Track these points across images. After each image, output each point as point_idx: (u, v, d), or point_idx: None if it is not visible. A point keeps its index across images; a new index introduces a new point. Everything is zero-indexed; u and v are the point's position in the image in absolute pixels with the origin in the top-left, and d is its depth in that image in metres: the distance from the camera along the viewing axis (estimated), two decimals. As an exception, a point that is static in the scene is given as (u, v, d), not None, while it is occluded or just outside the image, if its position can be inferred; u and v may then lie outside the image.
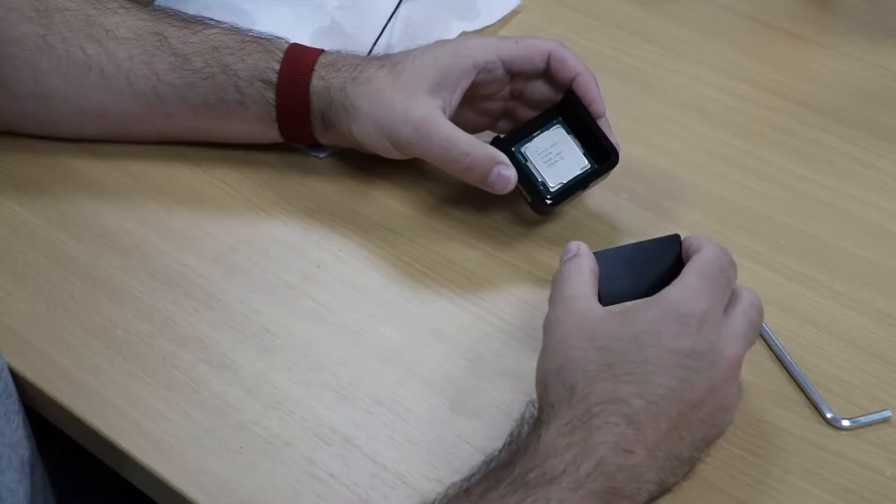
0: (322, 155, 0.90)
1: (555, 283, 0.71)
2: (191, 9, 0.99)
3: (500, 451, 0.66)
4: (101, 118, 0.87)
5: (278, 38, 0.88)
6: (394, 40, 0.99)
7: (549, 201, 0.82)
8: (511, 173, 0.81)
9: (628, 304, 0.71)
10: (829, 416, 0.72)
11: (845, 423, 0.72)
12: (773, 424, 0.72)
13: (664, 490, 0.66)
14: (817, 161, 0.91)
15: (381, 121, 0.82)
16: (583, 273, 0.70)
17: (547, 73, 0.84)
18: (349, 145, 0.87)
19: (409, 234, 0.84)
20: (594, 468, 0.62)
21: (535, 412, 0.67)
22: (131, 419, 0.72)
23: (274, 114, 0.85)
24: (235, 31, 0.88)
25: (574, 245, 0.72)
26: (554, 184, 0.82)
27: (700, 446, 0.67)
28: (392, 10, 1.00)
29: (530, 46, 0.83)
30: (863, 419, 0.72)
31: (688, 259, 0.70)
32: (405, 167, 0.87)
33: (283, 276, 0.81)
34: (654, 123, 0.94)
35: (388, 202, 0.87)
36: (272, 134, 0.87)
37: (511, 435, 0.67)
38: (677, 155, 0.92)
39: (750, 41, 1.04)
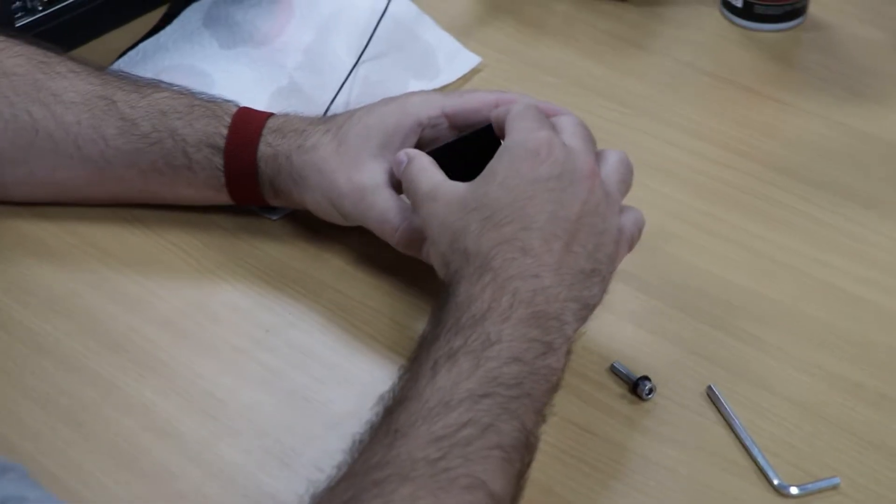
0: (275, 217, 0.89)
1: (408, 189, 0.77)
2: (149, 70, 0.99)
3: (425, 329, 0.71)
4: (51, 182, 0.86)
5: (227, 101, 0.88)
6: (352, 99, 0.99)
7: None
8: None
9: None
10: (776, 482, 0.71)
11: (793, 490, 0.71)
12: (720, 491, 0.71)
13: (588, 307, 0.72)
14: (775, 220, 0.91)
15: (328, 192, 0.82)
16: (426, 167, 0.76)
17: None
18: (302, 208, 0.87)
19: (359, 296, 0.84)
20: (513, 298, 0.69)
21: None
22: (69, 488, 0.71)
23: (223, 179, 0.85)
24: (185, 94, 0.87)
25: (402, 154, 0.78)
26: None
27: (598, 258, 0.73)
28: (349, 70, 1.00)
29: (476, 99, 0.83)
30: (811, 486, 0.71)
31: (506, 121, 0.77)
32: (358, 228, 0.87)
33: (231, 341, 0.80)
34: (611, 182, 0.94)
35: (340, 264, 0.86)
36: (222, 197, 0.86)
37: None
38: (633, 215, 0.91)
39: (711, 99, 1.04)
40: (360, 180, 0.80)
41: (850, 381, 0.78)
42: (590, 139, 0.77)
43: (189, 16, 1.05)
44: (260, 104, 0.96)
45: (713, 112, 1.02)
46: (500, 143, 0.77)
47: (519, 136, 0.75)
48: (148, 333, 0.80)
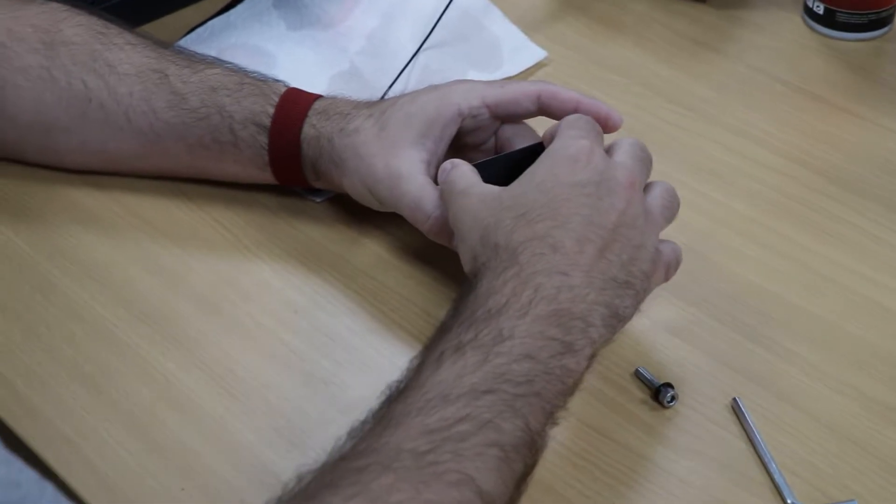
0: (319, 199, 0.90)
1: (444, 190, 0.76)
2: (214, 48, 1.00)
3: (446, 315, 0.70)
4: (102, 152, 0.88)
5: (277, 80, 0.88)
6: (409, 87, 0.99)
7: None
8: None
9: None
10: (790, 501, 0.69)
11: (809, 510, 0.69)
12: (731, 506, 0.70)
13: (619, 318, 0.70)
14: (827, 233, 0.88)
15: (365, 177, 0.82)
16: (465, 174, 0.76)
17: (541, 113, 0.82)
18: (342, 192, 0.87)
19: (392, 283, 0.83)
20: (534, 293, 0.67)
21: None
22: (82, 453, 0.72)
23: (267, 158, 0.85)
24: (237, 72, 0.88)
25: (448, 162, 0.77)
26: None
27: (632, 271, 0.71)
28: (410, 56, 1.00)
29: (517, 90, 0.82)
30: (827, 508, 0.69)
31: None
32: (399, 217, 0.87)
33: (259, 319, 0.81)
34: (661, 184, 0.92)
35: (378, 251, 0.86)
36: (266, 176, 0.87)
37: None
38: (679, 220, 0.89)
39: (780, 106, 1.01)
40: (396, 167, 0.80)
41: (883, 405, 0.75)
42: (642, 159, 0.76)
43: (261, -5, 1.06)
44: (319, 88, 0.96)
45: (779, 120, 0.99)
46: None
47: (561, 143, 0.74)
48: (179, 307, 0.81)
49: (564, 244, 0.70)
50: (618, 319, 0.71)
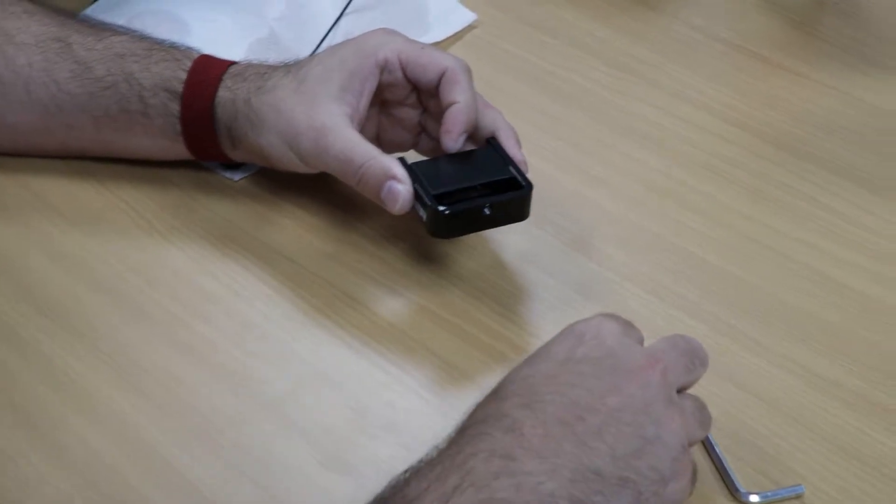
0: (236, 178, 0.85)
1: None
2: (123, 16, 0.94)
3: None
4: (1, 126, 0.82)
5: (189, 48, 0.83)
6: (329, 55, 0.94)
7: (443, 210, 0.73)
8: (402, 188, 0.74)
9: None
10: (738, 489, 0.66)
11: (753, 498, 0.66)
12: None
13: None
14: (766, 198, 0.84)
15: (285, 132, 0.78)
16: None
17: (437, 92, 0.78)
18: (262, 163, 0.82)
19: (314, 267, 0.79)
20: (462, 479, 0.55)
21: None
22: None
23: (178, 127, 0.80)
24: (144, 38, 0.83)
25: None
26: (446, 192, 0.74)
27: (635, 466, 0.57)
28: (332, 22, 0.95)
29: (431, 57, 0.78)
30: (772, 495, 0.66)
31: None
32: (323, 193, 0.82)
33: (169, 308, 0.76)
34: (596, 152, 0.88)
35: (299, 231, 0.81)
36: (179, 149, 0.82)
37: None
38: (614, 187, 0.85)
39: (718, 67, 0.97)
40: (319, 119, 0.76)
41: (827, 380, 0.72)
42: (681, 348, 0.63)
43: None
44: (237, 56, 0.91)
45: (718, 80, 0.95)
46: (504, 163, 0.75)
47: (582, 323, 0.62)
48: (84, 297, 0.76)
49: (521, 425, 0.57)
50: None
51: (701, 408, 0.63)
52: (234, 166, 0.85)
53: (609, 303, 0.76)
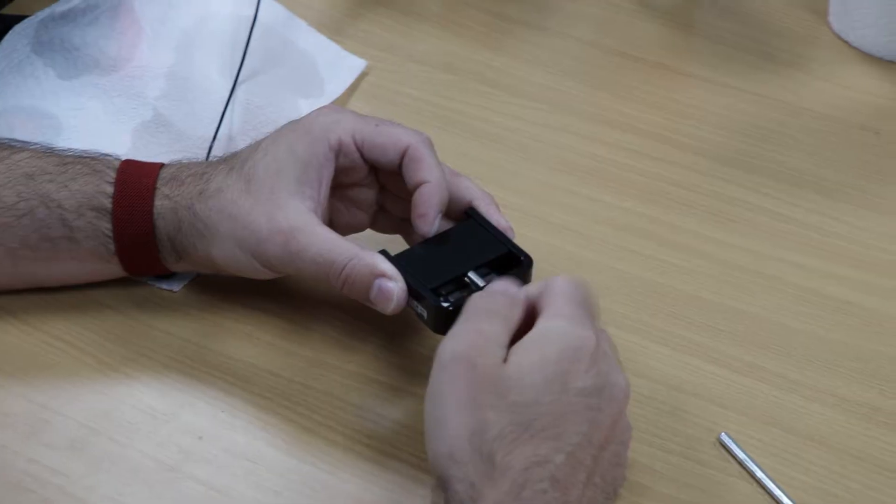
0: (176, 288, 0.76)
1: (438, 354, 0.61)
2: (-16, 118, 0.83)
3: None
4: None
5: (105, 154, 0.74)
6: (234, 131, 0.85)
7: (447, 306, 0.67)
8: (394, 286, 0.67)
9: (524, 339, 0.61)
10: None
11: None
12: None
13: None
14: (731, 220, 0.82)
15: (244, 240, 0.69)
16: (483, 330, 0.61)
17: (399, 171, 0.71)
18: (210, 272, 0.73)
19: (297, 376, 0.71)
20: None
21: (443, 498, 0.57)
22: None
23: (112, 247, 0.71)
24: (50, 151, 0.73)
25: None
26: (443, 283, 0.68)
27: (609, 492, 0.61)
28: (227, 95, 0.86)
29: (388, 135, 0.71)
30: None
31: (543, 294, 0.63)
32: (275, 291, 0.74)
33: (157, 457, 0.67)
34: (543, 195, 0.84)
35: (267, 338, 0.73)
36: (112, 269, 0.73)
37: None
38: (577, 231, 0.81)
39: (622, 81, 0.94)
40: (284, 221, 0.68)
41: (864, 405, 0.70)
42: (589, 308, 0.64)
43: (13, 42, 0.89)
44: (122, 146, 0.84)
45: (631, 98, 0.92)
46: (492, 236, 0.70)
47: (562, 327, 0.61)
48: (53, 463, 0.66)
49: (563, 477, 0.58)
50: None
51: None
52: (168, 275, 0.76)
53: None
